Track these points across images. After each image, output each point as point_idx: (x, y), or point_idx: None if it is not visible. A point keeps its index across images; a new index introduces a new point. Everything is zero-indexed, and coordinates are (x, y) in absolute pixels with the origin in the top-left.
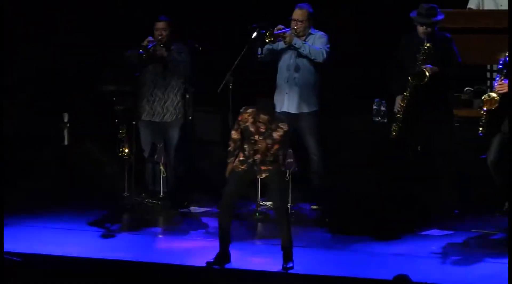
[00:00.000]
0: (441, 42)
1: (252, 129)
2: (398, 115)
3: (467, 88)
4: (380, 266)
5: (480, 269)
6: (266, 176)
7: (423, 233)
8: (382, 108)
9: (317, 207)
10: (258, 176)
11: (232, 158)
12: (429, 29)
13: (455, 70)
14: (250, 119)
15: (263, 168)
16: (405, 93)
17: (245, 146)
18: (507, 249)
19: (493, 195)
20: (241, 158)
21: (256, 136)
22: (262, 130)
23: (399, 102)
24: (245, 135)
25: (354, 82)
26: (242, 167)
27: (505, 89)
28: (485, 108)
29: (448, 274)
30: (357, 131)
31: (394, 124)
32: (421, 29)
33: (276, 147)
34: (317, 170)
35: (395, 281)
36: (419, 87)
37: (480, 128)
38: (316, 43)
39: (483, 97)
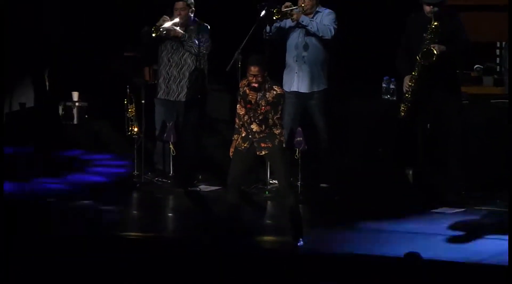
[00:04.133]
0: (448, 21)
1: (247, 91)
2: (407, 95)
3: (476, 65)
4: (391, 244)
5: (490, 246)
6: (266, 153)
7: (433, 210)
8: (391, 86)
9: (326, 185)
10: (258, 153)
11: (236, 135)
12: (436, 8)
13: (463, 48)
14: (245, 83)
15: (262, 145)
16: (413, 73)
17: (245, 118)
18: None
19: (500, 172)
20: (243, 135)
21: (250, 95)
22: (255, 85)
23: (407, 82)
24: (244, 103)
25: (362, 60)
26: (244, 145)
27: None
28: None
29: (459, 252)
30: (366, 109)
31: (402, 104)
32: (427, 8)
33: (267, 108)
34: (326, 148)
35: (406, 258)
36: (427, 66)
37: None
38: (324, 20)
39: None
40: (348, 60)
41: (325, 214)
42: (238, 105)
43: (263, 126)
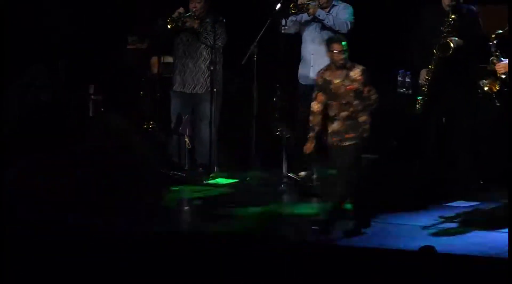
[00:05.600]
0: (466, 15)
1: (329, 77)
2: (423, 88)
3: (492, 57)
4: (405, 237)
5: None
6: (349, 145)
7: (448, 204)
8: (407, 80)
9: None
10: (341, 144)
11: (312, 133)
12: (454, 1)
13: (479, 42)
14: (326, 72)
15: (346, 136)
16: (430, 66)
17: (330, 112)
18: None
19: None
20: (329, 131)
21: (334, 81)
22: (341, 62)
23: (424, 75)
24: (326, 93)
25: (378, 54)
26: (334, 139)
27: (504, 69)
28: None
29: (473, 245)
30: (382, 103)
31: (419, 98)
32: (446, 1)
33: (354, 86)
34: None
35: (421, 252)
36: (444, 59)
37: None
38: (340, 14)
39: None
40: (363, 53)
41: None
42: (312, 103)
43: (347, 113)
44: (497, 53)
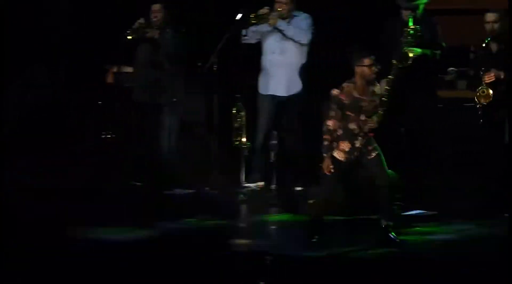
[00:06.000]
0: (426, 25)
1: (358, 95)
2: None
3: (450, 68)
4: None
5: None
6: (374, 157)
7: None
8: None
9: (302, 188)
10: (368, 157)
11: (330, 152)
12: (413, 12)
13: (438, 52)
14: (352, 89)
15: (369, 147)
16: (389, 76)
17: (351, 127)
18: None
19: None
20: (347, 149)
21: (365, 98)
22: (374, 76)
23: (384, 85)
24: (351, 110)
25: (338, 64)
26: (353, 155)
27: (492, 78)
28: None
29: None
30: None
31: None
32: (406, 12)
33: (377, 101)
34: (302, 151)
35: None
36: (403, 70)
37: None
38: (300, 25)
39: (478, 93)
40: (323, 63)
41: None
42: (329, 122)
43: (369, 127)
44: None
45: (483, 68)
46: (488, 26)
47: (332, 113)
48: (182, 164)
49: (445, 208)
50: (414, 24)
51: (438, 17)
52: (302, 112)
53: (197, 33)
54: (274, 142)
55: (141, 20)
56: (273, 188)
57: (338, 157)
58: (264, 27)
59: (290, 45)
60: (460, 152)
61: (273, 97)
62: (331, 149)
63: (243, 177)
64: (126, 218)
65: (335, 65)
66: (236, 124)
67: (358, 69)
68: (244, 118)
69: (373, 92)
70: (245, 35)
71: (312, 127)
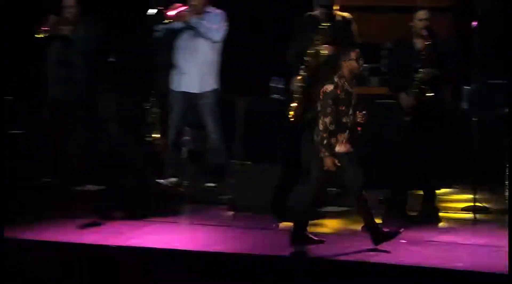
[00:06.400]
0: (340, 22)
1: (350, 89)
2: (296, 95)
3: (364, 65)
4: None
5: None
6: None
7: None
8: (280, 86)
9: (214, 185)
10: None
11: (330, 151)
12: (328, 10)
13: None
14: (343, 83)
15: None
16: (303, 73)
17: (345, 121)
18: None
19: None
20: (344, 140)
21: (354, 91)
22: (359, 72)
23: (296, 82)
24: (344, 103)
25: (251, 60)
26: (348, 147)
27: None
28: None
29: None
30: (255, 109)
31: (292, 104)
32: (320, 9)
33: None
34: (215, 148)
35: None
36: (317, 66)
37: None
38: (213, 21)
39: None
40: (237, 59)
41: (214, 214)
42: (327, 120)
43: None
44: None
45: (418, 66)
46: (420, 24)
47: (329, 109)
48: (95, 160)
49: None
50: (327, 21)
51: (353, 14)
52: (216, 109)
53: (110, 29)
54: (187, 138)
55: (53, 17)
56: (186, 184)
57: (342, 150)
58: (176, 24)
59: (202, 42)
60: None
61: (186, 94)
62: (331, 146)
63: (156, 173)
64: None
65: (250, 62)
66: (150, 121)
67: (346, 64)
68: (158, 115)
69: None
70: (157, 32)
71: (227, 124)
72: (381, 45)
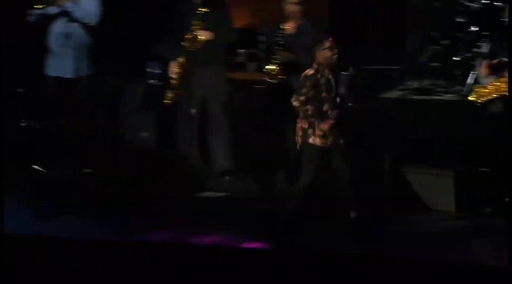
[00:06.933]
0: (216, 7)
1: (328, 75)
2: (174, 81)
3: (241, 50)
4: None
5: None
6: (341, 145)
7: (199, 195)
8: (157, 72)
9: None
10: (336, 143)
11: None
12: None
13: (228, 34)
14: (324, 70)
15: (338, 132)
16: (180, 59)
17: (325, 109)
18: None
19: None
20: (322, 134)
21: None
22: (335, 60)
23: (173, 68)
24: (326, 88)
25: (128, 45)
26: (330, 140)
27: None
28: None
29: None
30: (133, 95)
31: (169, 90)
32: None
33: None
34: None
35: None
36: (194, 52)
37: None
38: (88, 6)
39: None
40: (113, 45)
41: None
42: (302, 97)
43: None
44: (280, 43)
45: (276, 48)
46: (289, 8)
47: (304, 90)
48: None
49: None
50: (204, 6)
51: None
52: (94, 94)
53: None
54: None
55: None
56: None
57: (315, 143)
58: (50, 9)
59: (78, 27)
60: (251, 132)
61: (60, 79)
62: (309, 132)
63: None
64: None
65: (127, 46)
66: (23, 106)
67: (320, 54)
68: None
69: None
70: (31, 16)
71: (106, 110)
72: (258, 30)
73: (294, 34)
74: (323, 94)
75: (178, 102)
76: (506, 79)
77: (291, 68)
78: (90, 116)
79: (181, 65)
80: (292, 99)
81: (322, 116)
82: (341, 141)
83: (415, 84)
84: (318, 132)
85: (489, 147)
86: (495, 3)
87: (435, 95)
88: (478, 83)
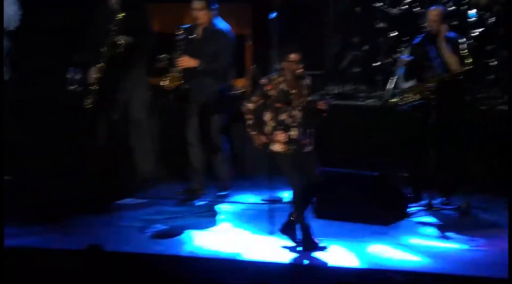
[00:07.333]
0: (133, 12)
1: (287, 88)
2: (94, 86)
3: (163, 55)
4: (74, 237)
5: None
6: (309, 152)
7: (118, 202)
8: (77, 77)
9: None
10: (303, 151)
11: (257, 129)
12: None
13: (147, 39)
14: (281, 83)
15: (306, 141)
16: (100, 64)
17: (281, 118)
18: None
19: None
20: (283, 140)
21: (293, 92)
22: (302, 72)
23: (93, 73)
24: (280, 101)
25: (49, 51)
26: (291, 148)
27: (186, 63)
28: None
29: (150, 244)
30: (53, 101)
31: (89, 95)
32: (112, 0)
33: (307, 94)
34: None
35: (88, 250)
36: (114, 57)
37: None
38: (7, 10)
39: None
40: (31, 50)
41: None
42: (251, 105)
43: (302, 120)
44: (181, 47)
45: (179, 52)
46: (194, 13)
47: (254, 98)
48: None
49: None
50: (122, 11)
51: (150, 5)
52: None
53: None
54: None
55: None
56: None
57: (277, 149)
58: None
59: None
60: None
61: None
62: (256, 126)
63: None
64: None
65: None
66: None
67: (285, 64)
68: None
69: (305, 86)
70: None
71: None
72: (176, 34)
73: (198, 40)
74: (277, 104)
75: (99, 108)
76: (425, 83)
77: (191, 74)
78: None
79: (101, 71)
80: (242, 105)
81: (280, 125)
82: (306, 151)
83: (336, 89)
84: (277, 140)
85: (411, 151)
86: (414, 9)
87: (356, 100)
88: (399, 88)
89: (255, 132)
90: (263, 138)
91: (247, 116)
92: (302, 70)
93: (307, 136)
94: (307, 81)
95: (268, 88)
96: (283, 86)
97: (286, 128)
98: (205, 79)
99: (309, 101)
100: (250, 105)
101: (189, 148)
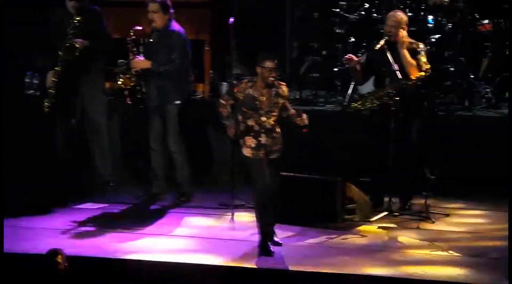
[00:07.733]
0: (90, 16)
1: (253, 93)
2: (51, 90)
3: (120, 60)
4: (32, 240)
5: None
6: (275, 158)
7: (76, 206)
8: (35, 81)
9: None
10: (270, 157)
11: (232, 120)
12: (78, 3)
13: (104, 43)
14: (249, 88)
15: (274, 148)
16: (56, 68)
17: (250, 124)
18: None
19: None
20: (252, 145)
21: (261, 98)
22: (272, 80)
23: (51, 77)
24: (246, 106)
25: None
26: (260, 153)
27: (139, 65)
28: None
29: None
30: (10, 105)
31: (46, 99)
32: (70, 3)
33: (283, 103)
34: None
35: (48, 255)
36: (71, 61)
37: None
38: None
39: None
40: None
41: None
42: (222, 100)
43: (271, 127)
44: (133, 50)
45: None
46: (149, 16)
47: (225, 96)
48: None
49: None
50: (79, 15)
51: (106, 9)
52: None
53: None
54: None
55: None
56: None
57: (246, 154)
58: None
59: None
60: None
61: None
62: (230, 118)
63: None
64: None
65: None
66: None
67: (258, 70)
68: None
69: (277, 94)
70: None
71: None
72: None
73: (153, 43)
74: (243, 108)
75: (57, 112)
76: (384, 89)
77: (148, 78)
78: None
79: (58, 74)
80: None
81: (249, 130)
82: (272, 158)
83: (296, 94)
84: (247, 145)
85: (370, 156)
86: (374, 15)
87: (316, 105)
88: (358, 93)
89: (228, 123)
90: (236, 130)
91: (221, 110)
92: (273, 78)
93: (277, 143)
94: (281, 91)
95: (236, 91)
96: (249, 91)
97: (255, 134)
98: (162, 82)
99: (288, 115)
100: (222, 99)
101: (151, 152)
